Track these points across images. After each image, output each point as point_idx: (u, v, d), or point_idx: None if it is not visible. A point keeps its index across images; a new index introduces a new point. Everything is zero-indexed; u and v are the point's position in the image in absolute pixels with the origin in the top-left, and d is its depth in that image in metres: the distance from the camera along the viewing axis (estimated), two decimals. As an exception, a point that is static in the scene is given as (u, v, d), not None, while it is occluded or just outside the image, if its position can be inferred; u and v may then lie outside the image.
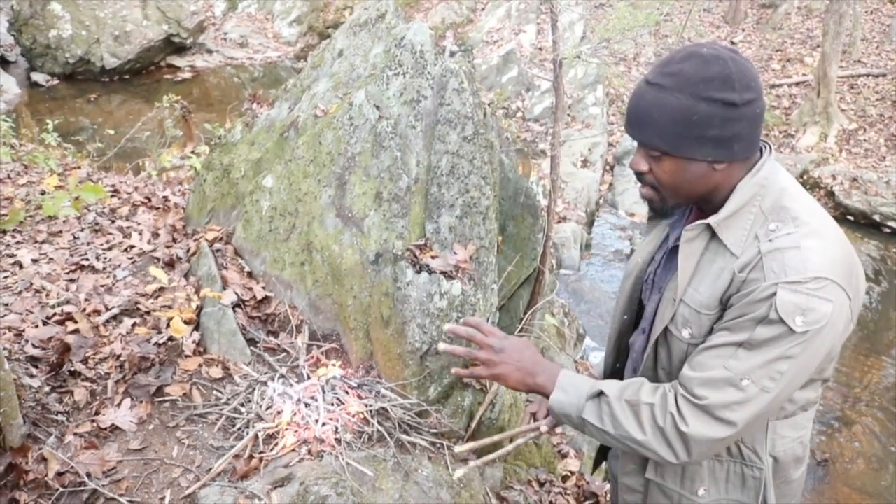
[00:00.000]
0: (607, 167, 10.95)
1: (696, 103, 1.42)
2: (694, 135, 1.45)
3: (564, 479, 3.60)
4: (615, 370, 1.97)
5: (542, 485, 3.28)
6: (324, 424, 2.54)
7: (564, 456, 3.80)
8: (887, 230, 9.48)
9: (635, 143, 1.58)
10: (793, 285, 1.38)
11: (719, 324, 1.50)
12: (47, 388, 2.49)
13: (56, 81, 12.24)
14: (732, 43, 14.76)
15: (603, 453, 2.15)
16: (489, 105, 3.35)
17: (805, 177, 10.48)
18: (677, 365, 1.61)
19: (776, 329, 1.39)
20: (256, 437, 2.48)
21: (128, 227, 3.56)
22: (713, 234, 1.53)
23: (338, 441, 2.51)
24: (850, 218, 9.74)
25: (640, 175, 1.59)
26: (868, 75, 12.82)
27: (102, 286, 3.05)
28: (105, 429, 2.45)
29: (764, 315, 1.40)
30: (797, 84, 13.05)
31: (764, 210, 1.49)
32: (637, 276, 1.83)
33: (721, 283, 1.49)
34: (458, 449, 2.06)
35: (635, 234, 8.90)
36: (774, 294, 1.39)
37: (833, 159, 10.96)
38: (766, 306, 1.39)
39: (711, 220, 1.51)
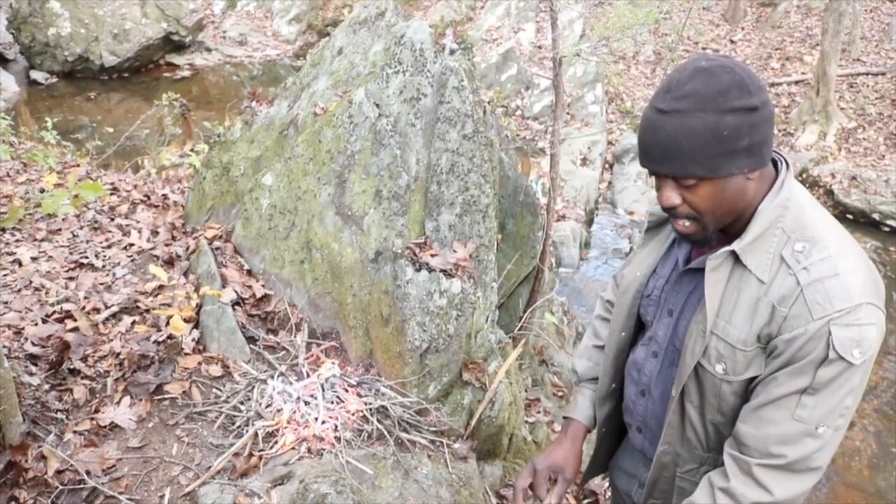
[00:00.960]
0: (606, 165, 10.94)
1: (721, 118, 1.36)
2: (728, 150, 1.38)
3: (563, 477, 3.59)
4: (611, 391, 1.90)
5: (541, 483, 3.27)
6: (323, 422, 2.54)
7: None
8: (886, 229, 9.48)
9: (648, 172, 1.49)
10: (843, 318, 1.35)
11: (768, 368, 1.44)
12: (47, 386, 2.49)
13: (55, 79, 12.23)
14: (732, 42, 14.76)
15: (602, 462, 2.08)
16: (489, 103, 3.34)
17: (804, 175, 10.49)
18: (709, 399, 1.55)
19: (837, 367, 1.36)
20: (256, 435, 2.48)
21: (127, 225, 3.56)
22: (736, 259, 1.47)
23: (337, 439, 2.51)
24: (850, 216, 9.73)
25: (671, 210, 1.49)
26: (867, 74, 12.81)
27: (102, 284, 3.05)
28: (104, 427, 2.45)
29: (823, 356, 1.36)
30: (796, 82, 13.05)
31: (786, 230, 1.44)
32: (636, 291, 1.76)
33: (760, 317, 1.44)
34: None
35: (634, 233, 8.90)
36: (829, 333, 1.35)
37: (832, 158, 10.95)
38: (822, 346, 1.36)
39: (735, 246, 1.46)
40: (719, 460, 1.60)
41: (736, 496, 1.47)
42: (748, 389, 1.51)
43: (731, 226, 1.52)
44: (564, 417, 2.02)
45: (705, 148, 1.38)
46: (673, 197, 1.47)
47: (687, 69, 1.41)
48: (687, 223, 1.50)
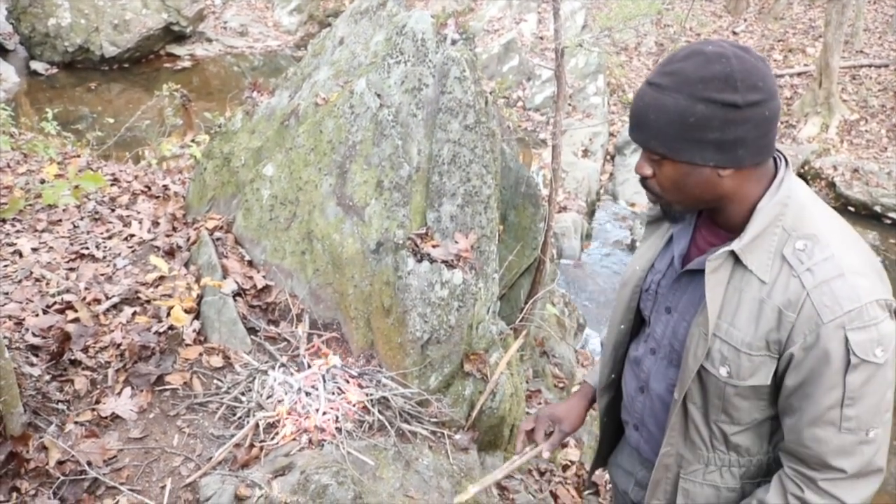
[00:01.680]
0: (608, 157, 10.92)
1: (693, 104, 1.34)
2: (693, 138, 1.37)
3: (565, 468, 3.60)
4: (611, 381, 1.90)
5: (542, 474, 3.28)
6: (324, 413, 2.54)
7: (564, 446, 3.80)
8: (888, 221, 9.46)
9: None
10: (855, 321, 1.33)
11: (793, 380, 1.42)
12: (48, 377, 2.49)
13: (55, 70, 12.19)
14: (734, 33, 14.71)
15: (604, 456, 2.08)
16: (490, 94, 3.32)
17: (806, 167, 10.46)
18: (713, 401, 1.53)
19: (865, 370, 1.34)
20: (257, 425, 2.47)
21: (128, 216, 3.55)
22: (736, 259, 1.45)
23: (338, 430, 2.51)
24: (851, 209, 9.72)
25: (643, 180, 1.51)
26: (870, 66, 12.77)
27: (102, 275, 3.05)
28: (105, 417, 2.45)
29: (846, 364, 1.34)
30: (799, 74, 13.01)
31: (786, 228, 1.42)
32: (635, 286, 1.74)
33: (766, 321, 1.41)
34: (461, 497, 2.04)
35: (636, 224, 8.88)
36: (846, 339, 1.33)
37: (834, 150, 10.93)
38: (842, 353, 1.34)
39: (735, 246, 1.43)
40: (724, 459, 1.60)
41: None
42: (755, 394, 1.49)
43: (718, 213, 1.52)
44: (584, 379, 2.05)
45: (669, 128, 1.38)
46: (645, 167, 1.49)
47: (689, 48, 1.40)
48: (653, 196, 1.53)
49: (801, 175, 10.41)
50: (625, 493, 1.96)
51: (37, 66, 12.17)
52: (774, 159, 1.49)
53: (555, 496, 3.20)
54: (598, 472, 3.57)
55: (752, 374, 1.45)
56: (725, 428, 1.56)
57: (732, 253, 1.44)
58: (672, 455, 1.66)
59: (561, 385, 4.37)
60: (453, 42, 3.05)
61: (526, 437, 1.98)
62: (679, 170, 1.43)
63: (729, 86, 1.33)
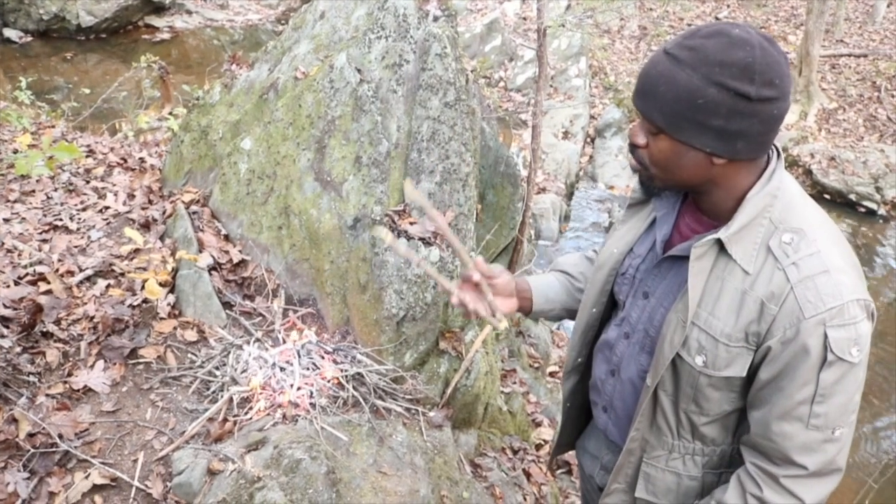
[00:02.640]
0: (588, 139, 10.93)
1: (705, 86, 1.30)
2: (696, 119, 1.33)
3: (538, 447, 3.63)
4: (577, 364, 1.88)
5: (515, 452, 3.30)
6: (299, 389, 2.54)
7: (538, 424, 3.83)
8: (862, 210, 9.58)
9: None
10: (836, 318, 1.33)
11: (767, 373, 1.41)
12: (18, 349, 2.46)
13: (30, 38, 11.96)
14: (717, 19, 14.73)
15: (568, 439, 2.07)
16: (472, 72, 3.31)
17: (784, 154, 10.54)
18: (684, 389, 1.52)
19: (839, 368, 1.35)
20: (231, 400, 2.47)
21: (103, 188, 3.51)
22: (721, 247, 1.42)
23: (312, 405, 2.51)
24: (827, 196, 9.82)
25: (633, 148, 1.47)
26: (850, 55, 12.86)
27: (76, 247, 3.01)
28: (77, 390, 2.43)
29: (821, 360, 1.34)
30: (779, 61, 13.04)
31: (774, 220, 1.40)
32: (612, 269, 1.71)
33: (747, 312, 1.40)
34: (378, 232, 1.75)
35: (614, 207, 8.92)
36: (825, 336, 1.33)
37: (812, 138, 11.02)
38: (818, 351, 1.34)
39: (722, 234, 1.40)
40: (688, 447, 1.60)
41: None
42: (728, 386, 1.48)
43: (700, 197, 1.49)
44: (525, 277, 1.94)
45: (675, 104, 1.34)
46: (639, 135, 1.45)
47: (717, 25, 1.35)
48: (638, 165, 1.50)
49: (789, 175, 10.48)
50: (590, 476, 1.96)
51: (10, 33, 11.92)
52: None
53: (528, 474, 3.23)
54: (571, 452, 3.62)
55: (728, 365, 1.44)
56: (694, 418, 1.55)
57: (718, 241, 1.41)
58: (637, 440, 1.65)
59: (536, 365, 4.40)
60: (435, 18, 3.03)
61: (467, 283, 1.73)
62: (674, 147, 1.40)
63: (746, 76, 1.29)
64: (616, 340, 1.73)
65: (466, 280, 1.68)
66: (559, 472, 3.57)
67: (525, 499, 3.04)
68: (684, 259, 1.48)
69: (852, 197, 9.68)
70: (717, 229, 1.43)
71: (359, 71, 2.90)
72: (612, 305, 1.79)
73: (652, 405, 1.60)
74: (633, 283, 1.67)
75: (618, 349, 1.73)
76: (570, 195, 9.30)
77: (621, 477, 1.72)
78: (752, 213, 1.40)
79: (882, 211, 9.55)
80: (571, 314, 1.94)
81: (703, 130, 1.34)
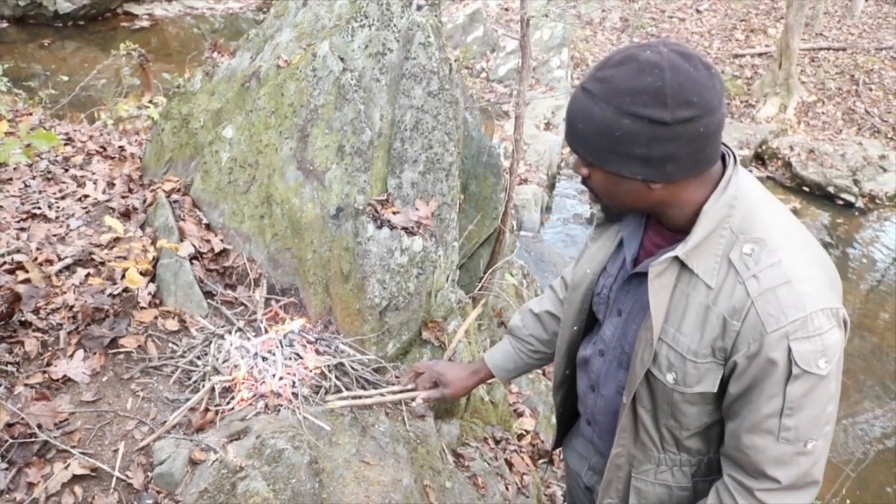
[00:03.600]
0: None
1: (619, 118, 1.28)
2: (618, 151, 1.32)
3: (520, 437, 3.64)
4: (565, 377, 1.90)
5: (497, 442, 3.31)
6: (281, 378, 2.52)
7: (520, 415, 3.85)
8: (840, 202, 9.67)
9: None
10: (799, 331, 1.30)
11: (735, 388, 1.40)
12: (-4, 338, 2.44)
13: (5, 24, 11.79)
14: (698, 11, 14.79)
15: (561, 439, 2.10)
16: (455, 61, 3.30)
17: (763, 147, 10.62)
18: (661, 406, 1.51)
19: (807, 382, 1.32)
20: (213, 390, 2.45)
21: (82, 177, 3.47)
22: (682, 263, 1.40)
23: (295, 395, 2.50)
24: (806, 189, 9.91)
25: (583, 180, 1.48)
26: (829, 49, 12.98)
27: (55, 235, 2.98)
28: (57, 380, 2.41)
29: (787, 374, 1.32)
30: (760, 55, 13.16)
31: (734, 230, 1.37)
32: (587, 289, 1.71)
33: (711, 329, 1.38)
34: (329, 399, 2.36)
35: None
36: (789, 349, 1.30)
37: (791, 131, 11.12)
38: (783, 365, 1.31)
39: (679, 251, 1.38)
40: (675, 459, 1.60)
41: None
42: (703, 400, 1.47)
43: (661, 216, 1.48)
44: (484, 355, 2.14)
45: (595, 138, 1.34)
46: (581, 168, 1.45)
47: (624, 53, 1.32)
48: (592, 195, 1.50)
49: (758, 155, 10.57)
50: (578, 474, 1.99)
51: (-14, 19, 11.77)
52: (723, 156, 1.43)
53: (510, 464, 3.24)
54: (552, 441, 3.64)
55: (699, 382, 1.43)
56: (675, 432, 1.55)
57: (677, 258, 1.40)
58: (623, 455, 1.65)
59: (518, 355, 4.41)
60: (419, 7, 3.02)
61: (414, 376, 2.24)
62: (608, 178, 1.39)
63: (658, 101, 1.26)
64: (591, 357, 1.75)
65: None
66: (541, 461, 3.59)
67: (507, 488, 3.05)
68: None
69: (830, 189, 9.78)
70: (678, 244, 1.42)
71: (342, 59, 2.89)
72: (592, 322, 1.80)
73: (633, 421, 1.60)
74: (608, 302, 1.67)
75: (594, 366, 1.74)
76: (551, 186, 9.32)
77: (612, 492, 1.72)
78: (709, 226, 1.37)
79: (860, 203, 9.65)
80: (545, 362, 2.09)
81: (629, 160, 1.33)
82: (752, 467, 1.42)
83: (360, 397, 2.44)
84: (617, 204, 1.47)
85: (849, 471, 4.43)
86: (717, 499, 1.51)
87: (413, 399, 2.20)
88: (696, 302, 1.40)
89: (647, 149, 1.30)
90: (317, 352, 2.68)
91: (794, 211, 8.86)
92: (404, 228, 2.70)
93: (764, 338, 1.31)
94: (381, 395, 2.38)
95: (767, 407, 1.36)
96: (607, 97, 1.30)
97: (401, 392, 2.27)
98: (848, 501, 4.33)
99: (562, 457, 2.22)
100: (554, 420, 2.11)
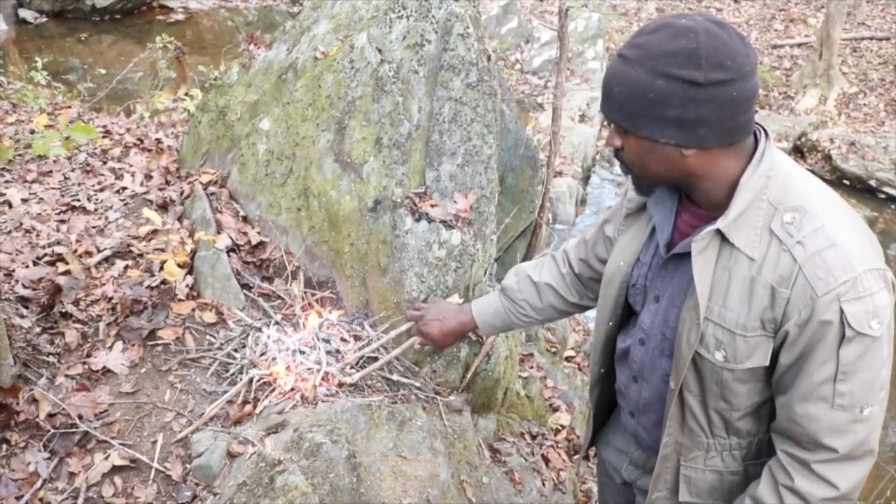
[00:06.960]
0: (604, 123, 10.85)
1: (653, 79, 1.31)
2: (652, 114, 1.34)
3: (556, 432, 3.61)
4: (601, 375, 1.89)
5: (534, 437, 3.28)
6: (318, 371, 2.51)
7: (556, 410, 3.81)
8: (882, 195, 9.47)
9: None
10: (850, 292, 1.29)
11: (787, 358, 1.38)
12: (38, 329, 2.45)
13: (45, 19, 11.95)
14: (735, 1, 14.55)
15: (593, 438, 2.08)
16: (493, 52, 3.26)
17: (803, 139, 10.42)
18: (710, 387, 1.49)
19: (860, 344, 1.31)
20: (250, 382, 2.45)
21: (120, 169, 3.49)
22: (723, 237, 1.40)
23: (332, 389, 2.49)
24: (847, 182, 9.71)
25: (616, 151, 1.50)
26: (871, 38, 12.69)
27: (94, 227, 3.00)
28: (97, 371, 2.42)
29: (839, 337, 1.31)
30: (799, 45, 12.90)
31: (772, 201, 1.37)
32: (622, 282, 1.70)
33: (759, 300, 1.37)
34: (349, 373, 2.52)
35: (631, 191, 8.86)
36: (841, 311, 1.29)
37: (832, 123, 10.89)
38: (836, 327, 1.30)
39: (720, 224, 1.39)
40: (724, 443, 1.57)
41: (803, 495, 1.42)
42: (753, 377, 1.45)
43: (691, 191, 1.47)
44: (471, 304, 2.22)
45: (630, 102, 1.36)
46: (614, 138, 1.47)
47: (660, 21, 1.36)
48: (624, 167, 1.51)
49: (797, 147, 10.38)
50: (616, 470, 1.95)
51: (25, 14, 11.92)
52: (754, 133, 1.43)
53: (546, 459, 3.21)
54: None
55: (749, 357, 1.42)
56: (725, 414, 1.52)
57: (719, 231, 1.39)
58: (671, 445, 1.62)
59: (553, 350, 4.37)
60: (457, -3, 2.98)
61: (413, 318, 2.41)
62: (641, 145, 1.40)
63: (692, 62, 1.28)
64: (632, 347, 1.72)
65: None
66: (576, 457, 3.55)
67: (544, 484, 3.02)
68: (688, 256, 1.45)
69: (872, 183, 9.57)
70: (715, 220, 1.41)
71: (379, 51, 2.86)
72: (628, 316, 1.78)
73: (680, 408, 1.57)
74: (645, 291, 1.65)
75: (635, 356, 1.71)
76: (586, 179, 9.24)
77: (661, 484, 1.69)
78: (748, 198, 1.37)
79: (903, 197, 9.43)
80: (532, 326, 2.13)
81: (662, 123, 1.34)
82: (808, 438, 1.40)
83: (372, 361, 2.60)
84: (649, 174, 1.47)
85: (894, 472, 4.32)
86: (770, 478, 1.48)
87: (412, 345, 2.45)
88: (740, 276, 1.40)
89: (681, 110, 1.32)
90: (356, 338, 2.66)
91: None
92: (443, 221, 2.67)
93: (815, 302, 1.31)
94: (387, 350, 2.61)
95: (820, 373, 1.34)
96: (642, 60, 1.33)
97: (400, 339, 2.54)
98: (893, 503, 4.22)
99: (594, 453, 2.22)
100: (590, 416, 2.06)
